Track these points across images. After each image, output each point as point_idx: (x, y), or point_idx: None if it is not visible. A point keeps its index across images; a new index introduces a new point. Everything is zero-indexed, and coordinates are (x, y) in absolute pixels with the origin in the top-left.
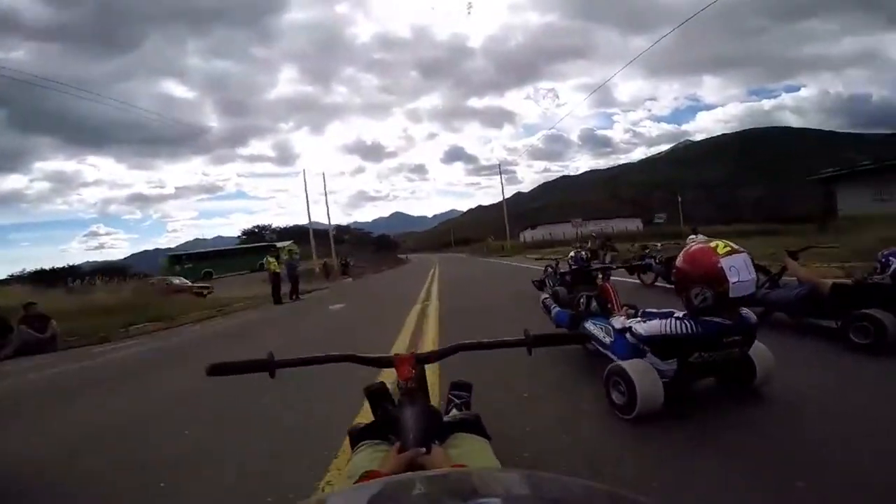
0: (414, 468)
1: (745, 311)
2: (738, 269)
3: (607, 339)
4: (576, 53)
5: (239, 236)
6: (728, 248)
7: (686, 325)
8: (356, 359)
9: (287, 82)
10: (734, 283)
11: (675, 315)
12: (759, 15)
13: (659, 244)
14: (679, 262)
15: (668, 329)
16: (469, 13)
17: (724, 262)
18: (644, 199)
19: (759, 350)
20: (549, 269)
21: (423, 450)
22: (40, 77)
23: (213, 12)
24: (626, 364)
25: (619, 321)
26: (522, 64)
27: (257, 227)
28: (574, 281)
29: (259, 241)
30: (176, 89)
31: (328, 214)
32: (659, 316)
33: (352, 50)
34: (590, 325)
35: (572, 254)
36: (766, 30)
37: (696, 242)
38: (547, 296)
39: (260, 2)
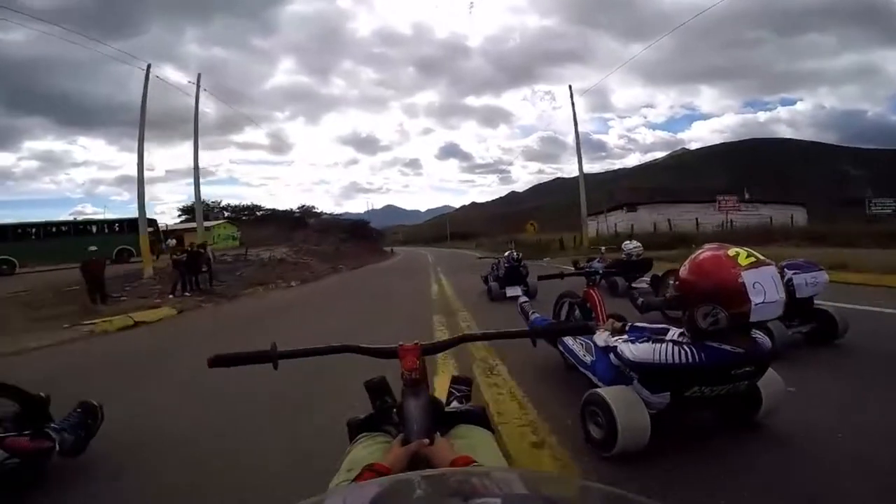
0: (418, 459)
1: (758, 335)
2: (765, 285)
3: (587, 358)
4: (574, 57)
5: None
6: (752, 259)
7: (686, 354)
8: (359, 349)
9: (285, 72)
10: (758, 303)
11: (672, 337)
12: (757, 27)
13: (603, 248)
14: (685, 272)
15: (662, 357)
16: (471, 11)
17: (747, 277)
18: (639, 204)
19: (767, 376)
20: (493, 266)
21: (427, 441)
22: (36, 58)
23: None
24: (606, 392)
25: (602, 337)
26: (520, 65)
27: (202, 202)
28: (507, 277)
29: (204, 220)
30: (172, 74)
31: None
32: (649, 334)
33: (351, 43)
34: (568, 340)
35: (506, 254)
36: (763, 42)
37: (707, 248)
38: (526, 300)
39: None
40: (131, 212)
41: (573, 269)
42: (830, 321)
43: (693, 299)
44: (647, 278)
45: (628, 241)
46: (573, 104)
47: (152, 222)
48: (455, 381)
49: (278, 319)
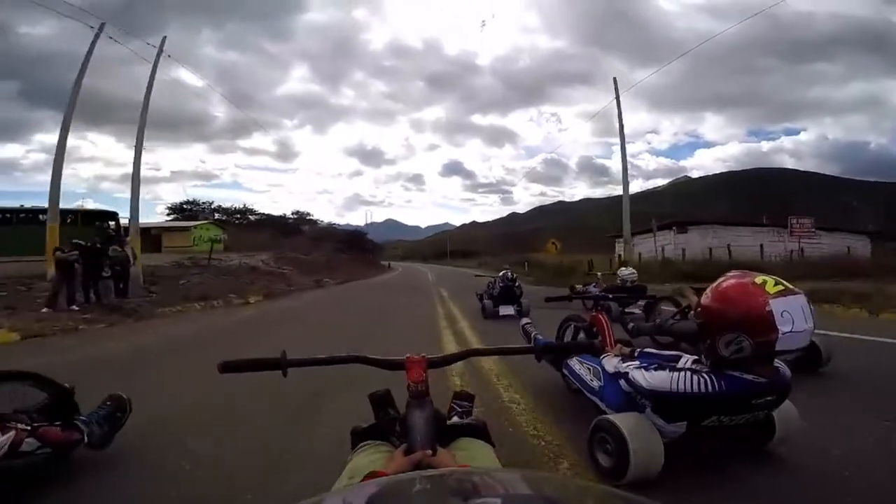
0: (420, 469)
1: (780, 364)
2: (793, 314)
3: (595, 383)
4: (581, 80)
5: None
6: (781, 287)
7: (706, 383)
8: (367, 360)
9: (296, 80)
10: (785, 333)
11: (685, 364)
12: (763, 55)
13: (599, 273)
14: (709, 299)
15: (680, 386)
16: (482, 28)
17: (775, 305)
18: (645, 231)
19: (782, 405)
20: (489, 285)
21: (430, 452)
22: (52, 53)
23: (230, 5)
24: (618, 419)
25: (611, 363)
26: (528, 85)
27: (188, 202)
28: (501, 296)
29: (192, 220)
30: (185, 76)
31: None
32: (660, 360)
33: (363, 54)
34: (574, 363)
35: (501, 273)
36: (768, 70)
37: (732, 275)
38: (528, 321)
39: (277, 1)
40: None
41: (569, 292)
42: (815, 350)
43: (716, 327)
44: (640, 304)
45: (623, 268)
46: (618, 98)
47: (111, 215)
48: (457, 396)
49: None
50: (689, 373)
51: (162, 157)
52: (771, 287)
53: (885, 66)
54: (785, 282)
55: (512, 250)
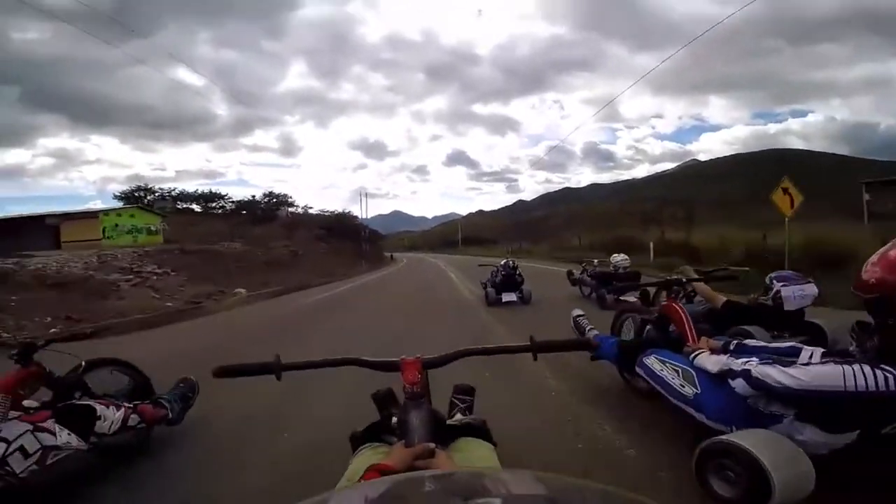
0: (419, 469)
1: None
2: None
3: (687, 389)
4: (582, 66)
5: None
6: None
7: (892, 379)
8: (361, 362)
9: (296, 76)
10: None
11: (806, 358)
12: (768, 36)
13: (595, 260)
14: (880, 270)
15: (860, 382)
16: (479, 14)
17: None
18: (657, 215)
19: None
20: (492, 273)
21: (432, 445)
22: (54, 57)
23: (227, 4)
24: (746, 440)
25: (711, 361)
26: (528, 73)
27: (140, 187)
28: (503, 284)
29: (147, 210)
30: (186, 76)
31: None
32: (773, 354)
33: (361, 48)
34: (653, 364)
35: (503, 262)
36: (774, 52)
37: None
38: (581, 313)
39: None
40: None
41: (568, 278)
42: (821, 334)
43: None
44: (636, 292)
45: (616, 255)
46: None
47: None
48: (457, 390)
49: None
50: (864, 366)
51: (167, 158)
52: None
53: (893, 47)
54: None
55: (521, 237)
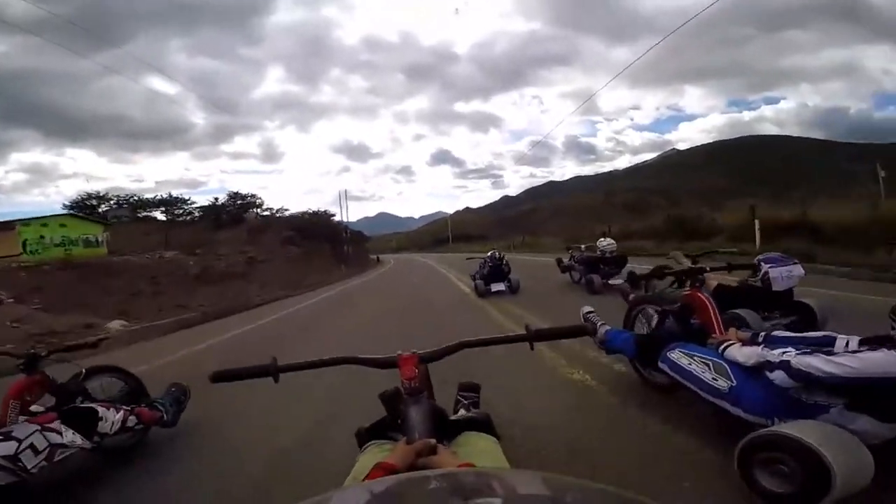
0: (421, 467)
1: None
2: None
3: (721, 382)
4: (559, 61)
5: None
6: None
7: None
8: (358, 360)
9: (274, 81)
10: None
11: (842, 347)
12: (739, 25)
13: (583, 246)
14: None
15: None
16: (456, 13)
17: None
18: (640, 204)
19: None
20: (480, 265)
21: (434, 441)
22: (23, 70)
23: (200, 10)
24: (802, 431)
25: (744, 352)
26: (507, 69)
27: (91, 195)
28: (491, 275)
29: (101, 220)
30: (161, 85)
31: None
32: (808, 345)
33: (339, 51)
34: (679, 358)
35: (489, 254)
36: (745, 40)
37: None
38: (591, 310)
39: (247, 2)
40: None
41: (558, 266)
42: (810, 313)
43: None
44: (623, 275)
45: (602, 239)
46: None
47: None
48: (462, 387)
49: None
50: None
51: (145, 169)
52: None
53: (858, 33)
54: None
55: (511, 232)
